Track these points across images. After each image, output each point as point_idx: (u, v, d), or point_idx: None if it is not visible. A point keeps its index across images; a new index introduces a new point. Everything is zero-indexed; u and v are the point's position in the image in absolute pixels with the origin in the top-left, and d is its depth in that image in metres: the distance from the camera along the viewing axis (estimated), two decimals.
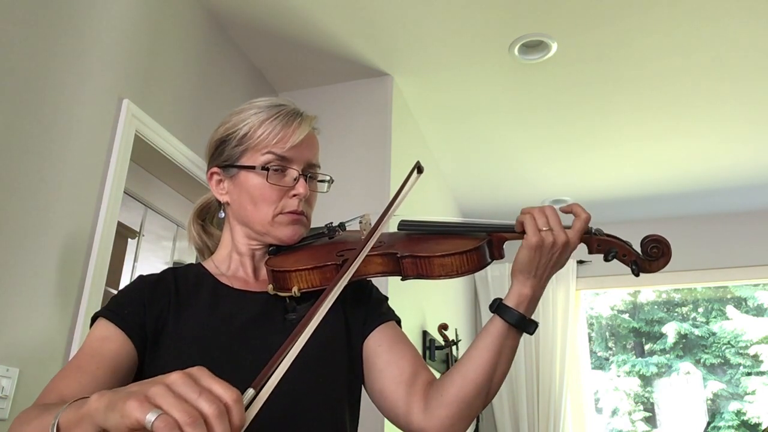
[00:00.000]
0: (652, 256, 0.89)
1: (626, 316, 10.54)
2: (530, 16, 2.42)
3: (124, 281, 3.68)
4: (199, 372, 0.52)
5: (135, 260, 3.93)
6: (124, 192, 1.90)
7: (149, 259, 4.19)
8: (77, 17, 1.73)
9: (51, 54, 1.63)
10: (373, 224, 0.93)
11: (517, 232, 0.90)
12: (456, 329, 3.59)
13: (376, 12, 2.42)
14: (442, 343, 3.30)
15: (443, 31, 2.53)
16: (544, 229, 0.87)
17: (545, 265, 0.88)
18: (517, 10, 2.39)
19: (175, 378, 0.51)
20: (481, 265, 0.91)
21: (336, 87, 2.94)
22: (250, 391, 0.56)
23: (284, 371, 0.61)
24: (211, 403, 0.49)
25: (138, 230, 3.72)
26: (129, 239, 3.50)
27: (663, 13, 2.39)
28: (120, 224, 2.17)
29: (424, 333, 3.13)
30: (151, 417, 0.48)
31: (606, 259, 0.90)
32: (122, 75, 1.91)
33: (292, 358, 0.63)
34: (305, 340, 0.66)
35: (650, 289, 8.55)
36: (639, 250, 0.90)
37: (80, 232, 1.69)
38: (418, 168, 1.01)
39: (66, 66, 1.67)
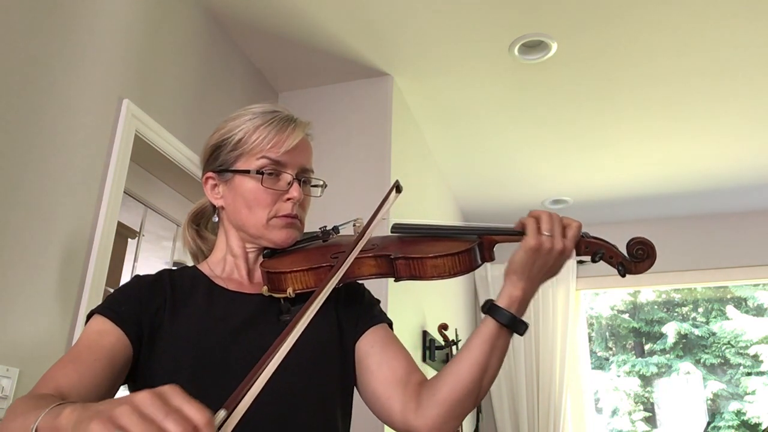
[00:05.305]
0: (637, 257, 0.91)
1: (626, 316, 10.53)
2: (530, 16, 2.42)
3: (124, 281, 3.68)
4: (171, 391, 0.50)
5: (135, 260, 3.94)
6: (124, 192, 1.90)
7: (149, 259, 4.19)
8: (77, 17, 1.73)
9: (51, 54, 1.63)
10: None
11: (516, 232, 0.92)
12: (456, 329, 3.59)
13: (376, 12, 2.42)
14: (442, 343, 3.30)
15: (443, 31, 2.53)
16: (545, 233, 0.88)
17: (539, 269, 0.89)
18: (517, 10, 2.39)
19: (142, 397, 0.49)
20: (472, 267, 0.93)
21: (336, 87, 2.94)
22: (222, 413, 0.54)
23: (259, 391, 0.60)
24: (178, 424, 0.47)
25: (138, 230, 3.72)
26: (129, 239, 3.50)
27: (663, 13, 2.39)
28: (120, 224, 2.17)
29: (424, 333, 3.13)
30: None
31: (593, 261, 0.92)
32: (122, 75, 1.91)
33: (270, 373, 0.62)
34: (287, 350, 0.65)
35: (650, 289, 8.55)
36: (625, 251, 0.92)
37: (80, 232, 1.69)
38: (397, 187, 1.03)
39: (66, 66, 1.67)
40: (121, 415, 0.47)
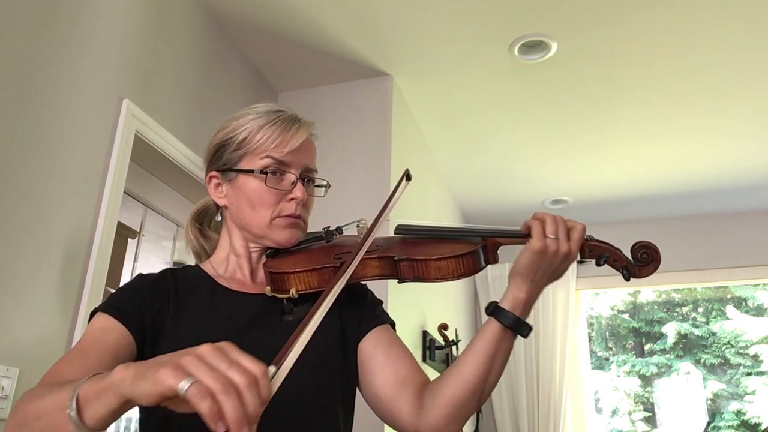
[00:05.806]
0: (641, 261, 0.91)
1: (626, 316, 10.54)
2: (530, 16, 2.42)
3: (124, 281, 3.68)
4: (228, 346, 0.55)
5: (135, 260, 3.94)
6: (124, 192, 1.90)
7: (149, 259, 4.20)
8: (77, 17, 1.73)
9: (51, 54, 1.63)
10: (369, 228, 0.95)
11: (521, 235, 0.91)
12: (456, 329, 3.59)
13: (376, 12, 2.42)
14: (442, 343, 3.30)
15: (443, 31, 2.53)
16: (550, 236, 0.88)
17: (544, 271, 0.90)
18: (517, 10, 2.39)
19: (205, 349, 0.53)
20: (476, 269, 0.93)
21: (336, 87, 2.94)
22: (272, 368, 0.59)
23: (301, 350, 0.64)
24: (242, 374, 0.52)
25: (138, 230, 3.72)
26: (129, 239, 3.50)
27: (663, 13, 2.39)
28: (120, 224, 2.17)
29: (424, 333, 3.13)
30: (184, 384, 0.50)
31: (598, 264, 0.92)
32: (122, 75, 1.91)
33: (309, 336, 0.67)
34: (317, 323, 0.70)
35: (650, 289, 8.54)
36: (629, 255, 0.92)
37: (80, 232, 1.69)
38: (407, 176, 1.03)
39: (66, 66, 1.67)
40: (188, 364, 0.52)
